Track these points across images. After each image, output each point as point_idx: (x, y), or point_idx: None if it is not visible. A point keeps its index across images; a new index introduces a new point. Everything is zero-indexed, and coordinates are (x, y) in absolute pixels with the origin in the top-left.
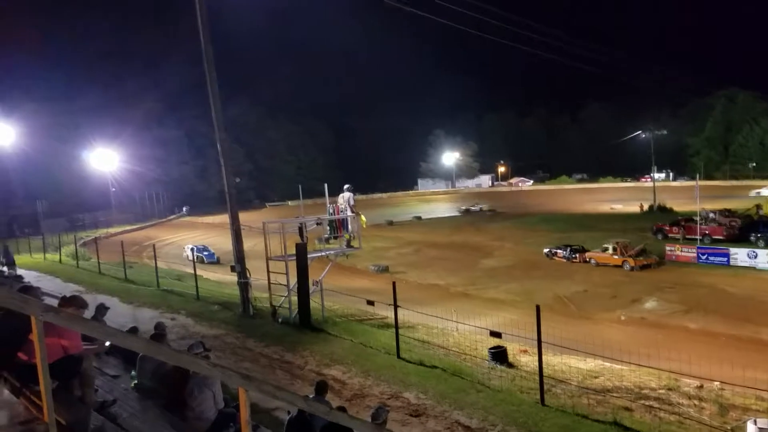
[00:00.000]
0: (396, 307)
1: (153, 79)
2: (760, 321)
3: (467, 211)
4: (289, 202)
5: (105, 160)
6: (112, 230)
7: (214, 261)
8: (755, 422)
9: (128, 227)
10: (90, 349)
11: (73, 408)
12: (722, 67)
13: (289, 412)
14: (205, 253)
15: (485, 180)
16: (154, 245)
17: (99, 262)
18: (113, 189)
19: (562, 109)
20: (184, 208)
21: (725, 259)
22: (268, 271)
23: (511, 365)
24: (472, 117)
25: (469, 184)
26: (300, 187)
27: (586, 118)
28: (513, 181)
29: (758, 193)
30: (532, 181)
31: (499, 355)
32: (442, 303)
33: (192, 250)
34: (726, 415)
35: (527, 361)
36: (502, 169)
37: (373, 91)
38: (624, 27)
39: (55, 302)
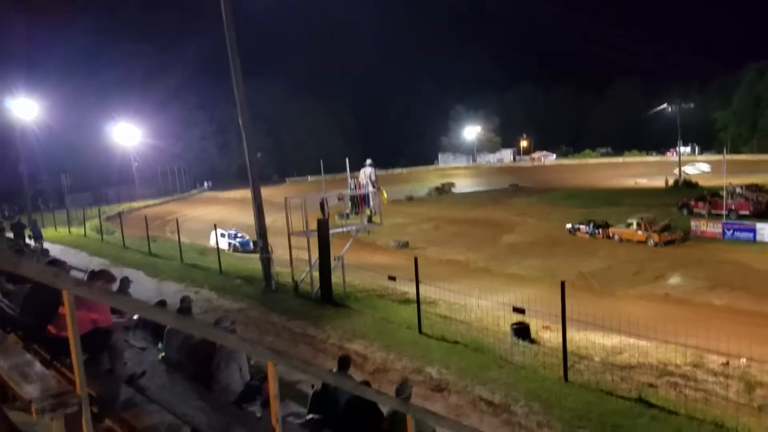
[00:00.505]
0: (417, 282)
1: (175, 54)
2: None
3: (438, 190)
4: (309, 178)
5: (127, 134)
6: (135, 204)
7: (250, 249)
8: None
9: (151, 202)
10: (119, 323)
11: (103, 380)
12: (752, 40)
13: (313, 386)
14: (239, 239)
15: (507, 154)
16: (177, 220)
17: (123, 236)
18: (136, 163)
19: (588, 83)
20: (206, 183)
21: (752, 234)
22: (290, 247)
23: (533, 341)
24: (495, 91)
25: (491, 158)
26: (321, 162)
27: (612, 92)
28: (536, 155)
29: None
30: (555, 156)
31: (521, 331)
32: (463, 279)
33: (223, 236)
34: (753, 393)
35: (550, 337)
36: (524, 144)
37: (395, 65)
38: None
39: (81, 276)
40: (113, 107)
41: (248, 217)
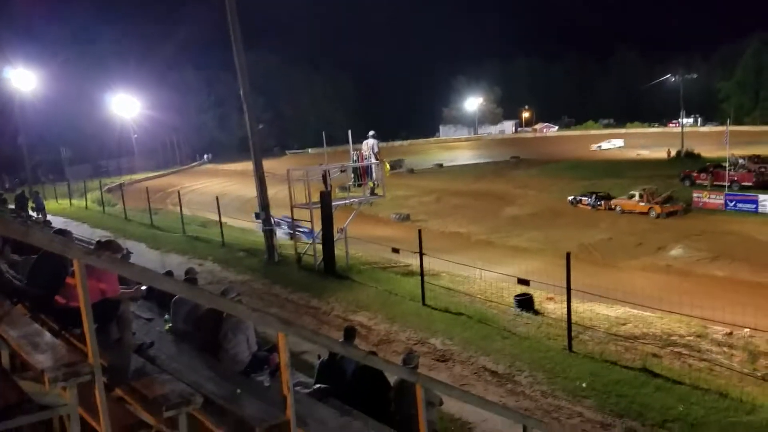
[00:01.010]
0: (421, 254)
1: (173, 24)
2: None
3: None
4: (309, 150)
5: (126, 106)
6: (135, 177)
7: (314, 238)
8: None
9: (151, 174)
10: (127, 293)
11: (112, 350)
12: (757, 10)
13: (319, 356)
14: (300, 229)
15: (508, 126)
16: (179, 192)
17: (125, 208)
18: (135, 135)
19: (590, 54)
20: (206, 156)
21: (754, 206)
22: (293, 219)
23: (537, 312)
24: (497, 62)
25: (492, 130)
26: (323, 134)
27: (614, 62)
28: (537, 127)
29: (599, 147)
30: (557, 127)
31: (525, 302)
32: (465, 251)
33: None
34: (756, 363)
35: (553, 308)
36: (526, 115)
37: (396, 36)
38: None
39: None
40: (112, 78)
41: (250, 190)
